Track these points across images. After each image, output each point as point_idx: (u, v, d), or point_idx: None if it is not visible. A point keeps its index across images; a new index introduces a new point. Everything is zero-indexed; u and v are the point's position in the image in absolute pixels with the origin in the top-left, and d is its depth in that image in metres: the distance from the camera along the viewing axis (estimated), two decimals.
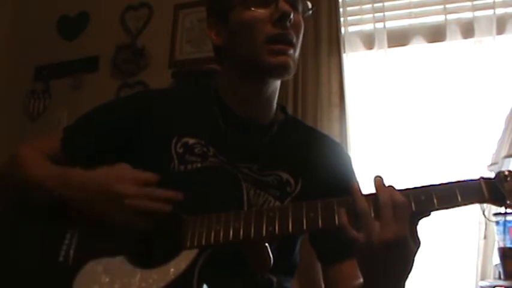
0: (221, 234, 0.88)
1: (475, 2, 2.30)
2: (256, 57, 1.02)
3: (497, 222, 1.86)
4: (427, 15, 2.41)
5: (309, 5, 1.09)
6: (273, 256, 0.89)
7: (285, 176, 1.07)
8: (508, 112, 2.08)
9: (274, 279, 1.02)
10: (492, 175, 0.84)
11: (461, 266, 2.17)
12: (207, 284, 0.88)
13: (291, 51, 1.03)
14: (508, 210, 0.85)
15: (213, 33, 1.11)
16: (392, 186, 0.85)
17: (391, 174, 2.23)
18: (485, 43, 2.27)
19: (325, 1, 2.45)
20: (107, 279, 0.91)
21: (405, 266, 0.84)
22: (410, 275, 0.86)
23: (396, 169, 2.27)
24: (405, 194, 0.83)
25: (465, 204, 0.83)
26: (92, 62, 2.98)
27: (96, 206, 0.96)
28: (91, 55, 2.99)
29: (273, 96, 1.11)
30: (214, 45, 1.12)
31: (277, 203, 1.04)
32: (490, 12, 2.25)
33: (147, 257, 0.92)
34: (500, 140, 2.06)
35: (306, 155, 1.12)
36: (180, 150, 1.06)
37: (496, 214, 1.77)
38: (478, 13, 2.28)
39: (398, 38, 2.42)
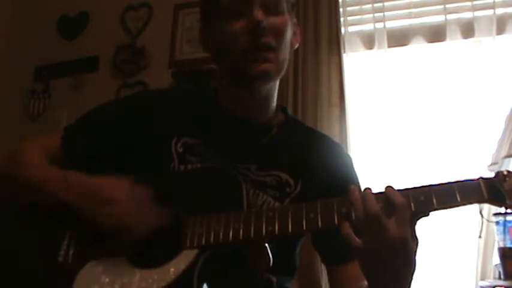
0: (221, 235, 0.88)
1: (475, 2, 2.30)
2: (238, 66, 1.03)
3: (497, 222, 1.86)
4: (427, 15, 2.41)
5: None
6: (273, 256, 0.89)
7: (284, 176, 1.07)
8: (508, 112, 2.08)
9: (274, 279, 1.02)
10: (492, 175, 0.84)
11: (461, 266, 2.17)
12: (207, 284, 0.88)
13: (272, 56, 1.02)
14: (508, 210, 0.85)
15: (202, 40, 1.13)
16: (391, 187, 0.85)
17: (390, 174, 2.24)
18: (485, 43, 2.26)
19: (325, 1, 2.44)
20: (107, 279, 0.91)
21: (407, 266, 0.84)
22: (414, 276, 0.86)
23: (396, 169, 2.27)
24: (404, 194, 0.83)
25: (464, 204, 0.83)
26: (92, 62, 2.97)
27: (87, 210, 0.95)
28: (91, 55, 2.98)
29: (270, 95, 1.11)
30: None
31: (277, 204, 1.04)
32: (490, 12, 2.25)
33: (147, 257, 0.92)
34: (500, 140, 2.06)
35: (306, 155, 1.11)
36: (180, 150, 1.07)
37: (496, 214, 1.78)
38: (478, 13, 2.28)
39: (398, 38, 2.42)
